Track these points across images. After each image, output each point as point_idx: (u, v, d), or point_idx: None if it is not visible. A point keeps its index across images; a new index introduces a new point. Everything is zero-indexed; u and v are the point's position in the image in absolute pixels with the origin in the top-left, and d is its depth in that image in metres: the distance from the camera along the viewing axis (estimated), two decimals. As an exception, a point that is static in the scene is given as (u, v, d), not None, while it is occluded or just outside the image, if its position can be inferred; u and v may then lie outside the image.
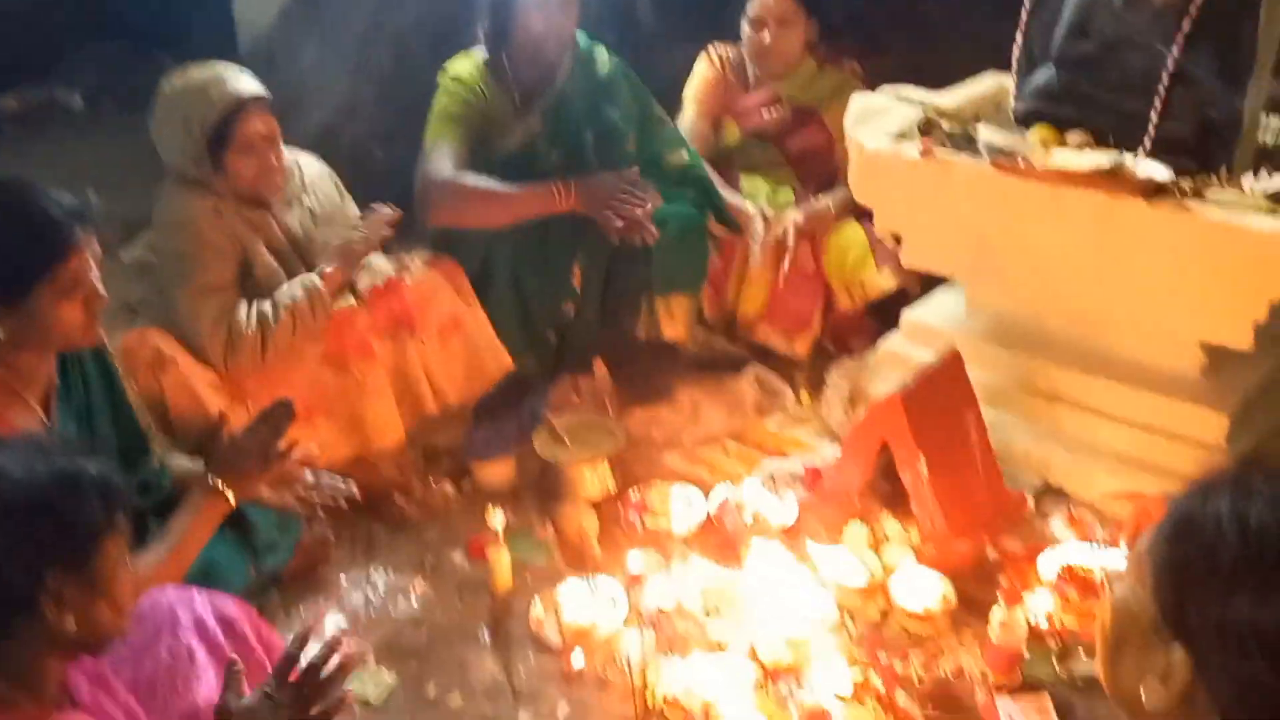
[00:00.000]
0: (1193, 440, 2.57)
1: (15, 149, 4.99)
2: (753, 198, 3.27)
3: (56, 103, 5.61)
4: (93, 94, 5.72)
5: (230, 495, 2.03)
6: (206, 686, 1.70)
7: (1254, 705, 1.02)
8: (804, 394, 3.13)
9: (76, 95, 5.63)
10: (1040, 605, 2.31)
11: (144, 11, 6.05)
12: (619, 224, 2.76)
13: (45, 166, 4.67)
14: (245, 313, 2.52)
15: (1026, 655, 2.18)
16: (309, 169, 2.79)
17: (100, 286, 1.98)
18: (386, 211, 2.73)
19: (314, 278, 2.60)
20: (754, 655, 2.23)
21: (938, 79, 3.06)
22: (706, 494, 2.69)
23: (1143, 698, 1.09)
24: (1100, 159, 2.47)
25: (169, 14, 6.19)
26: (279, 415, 2.14)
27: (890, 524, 2.56)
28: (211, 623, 1.76)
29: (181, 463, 2.28)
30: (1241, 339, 2.44)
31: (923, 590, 2.35)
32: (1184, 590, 1.06)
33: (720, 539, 2.57)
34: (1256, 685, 1.01)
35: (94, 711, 1.35)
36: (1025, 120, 2.76)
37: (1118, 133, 2.58)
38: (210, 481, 2.03)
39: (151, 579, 1.82)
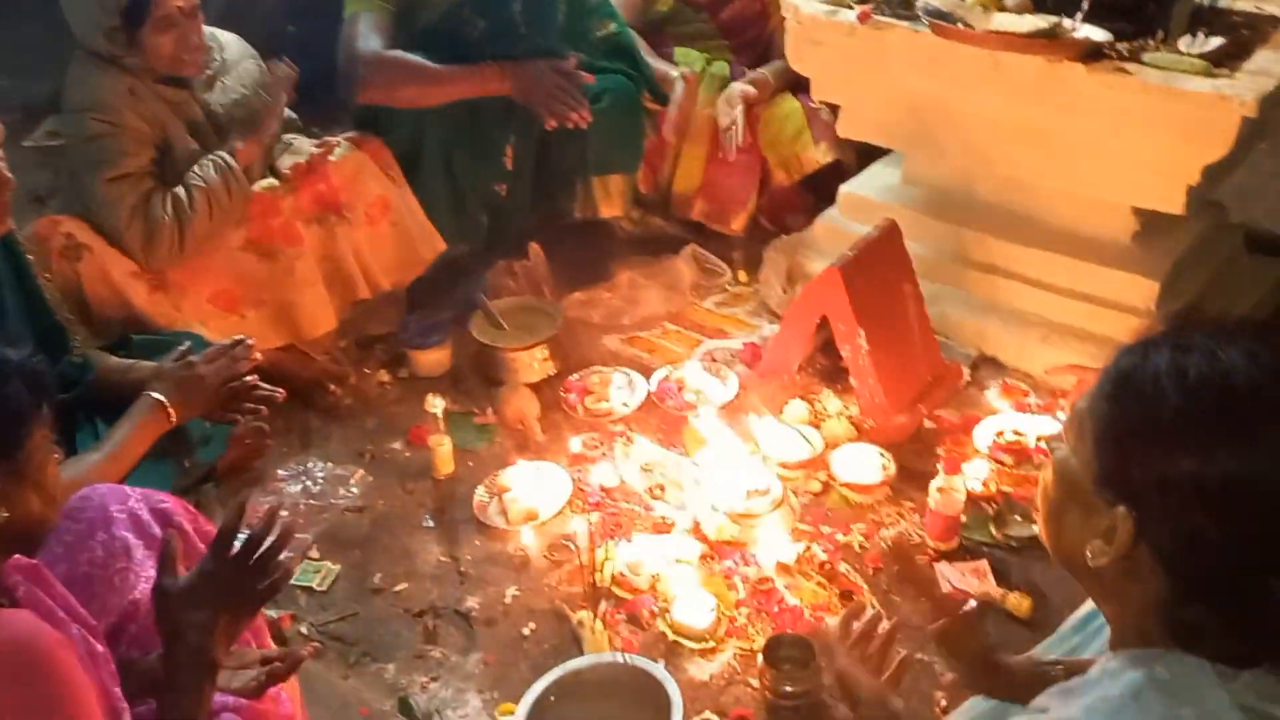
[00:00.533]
0: (1124, 306, 2.60)
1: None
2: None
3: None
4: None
5: (174, 415, 2.03)
6: (145, 582, 1.66)
7: (1197, 559, 1.03)
8: (741, 272, 3.10)
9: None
10: (976, 472, 2.35)
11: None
12: (552, 124, 2.71)
13: (-66, 49, 4.39)
14: (160, 202, 2.40)
15: (964, 520, 2.23)
16: (230, 48, 2.65)
17: (6, 170, 1.88)
18: (285, 69, 2.60)
19: (225, 154, 2.49)
20: (698, 532, 2.25)
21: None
22: (647, 375, 2.68)
23: (1087, 557, 1.10)
24: (1039, 22, 2.43)
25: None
26: (240, 353, 2.12)
27: (830, 399, 2.58)
28: (147, 517, 1.70)
29: (107, 359, 2.20)
30: (1174, 203, 2.45)
31: (862, 463, 2.38)
32: (1125, 447, 1.06)
33: (661, 419, 2.57)
34: (1199, 539, 1.02)
35: (33, 608, 1.31)
36: (962, -16, 2.70)
37: (1055, -5, 2.55)
38: (156, 398, 2.01)
39: (87, 484, 1.77)
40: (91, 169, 2.40)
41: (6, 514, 1.26)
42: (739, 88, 3.10)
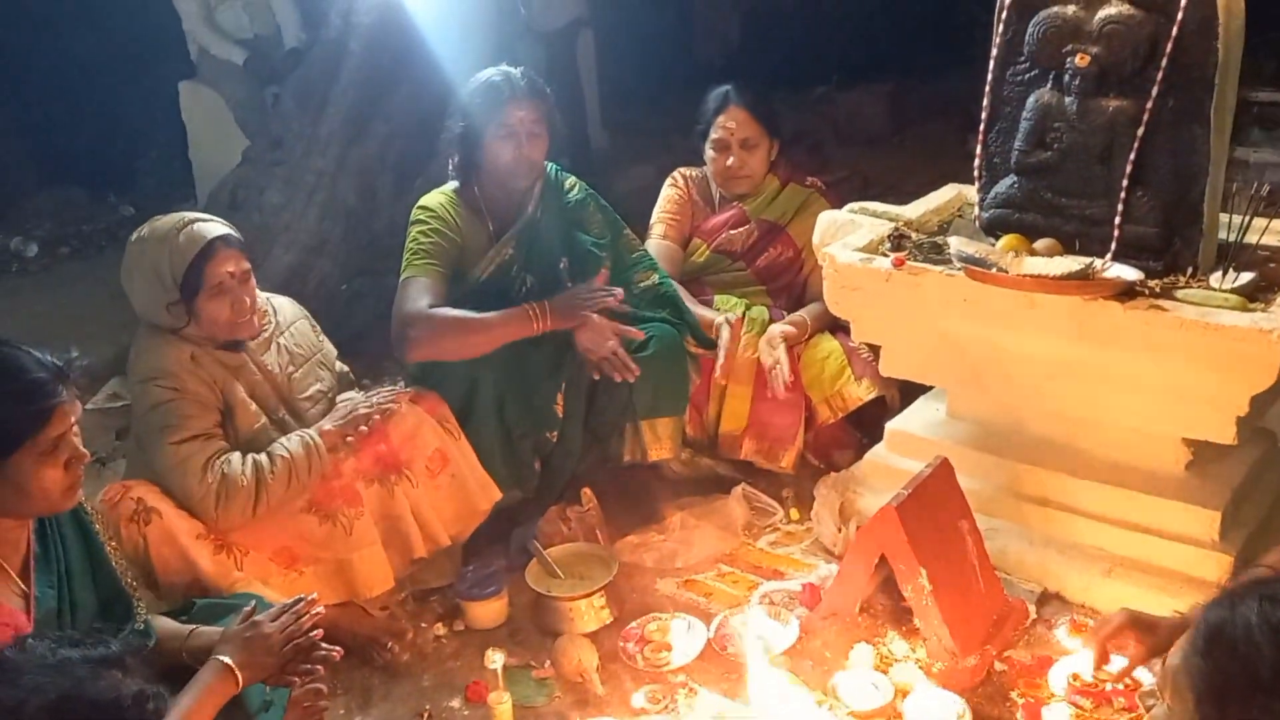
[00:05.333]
0: (1187, 538, 2.57)
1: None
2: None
3: (11, 252, 5.57)
4: (48, 241, 5.70)
5: (240, 679, 1.99)
6: None
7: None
8: (794, 510, 3.10)
9: (33, 244, 5.60)
10: (1055, 718, 2.27)
11: (98, 158, 6.11)
12: (595, 326, 2.82)
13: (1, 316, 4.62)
14: (240, 464, 2.47)
15: (1048, 771, 2.14)
16: (284, 310, 2.78)
17: (82, 446, 1.94)
18: (396, 390, 2.71)
19: (314, 433, 2.58)
20: (772, 790, 2.16)
21: (885, 189, 3.13)
22: (706, 621, 2.63)
23: None
24: (1070, 264, 2.51)
25: (123, 160, 6.26)
26: (302, 609, 2.11)
27: (895, 641, 2.52)
28: (213, 799, 1.66)
29: (167, 624, 2.19)
30: (1225, 434, 2.46)
31: (936, 710, 2.30)
32: (1225, 705, 1.05)
33: (724, 667, 2.51)
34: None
35: None
36: (990, 229, 2.81)
37: (1083, 237, 2.64)
38: (223, 662, 1.99)
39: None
40: (157, 434, 2.47)
41: None
42: (778, 329, 3.21)
